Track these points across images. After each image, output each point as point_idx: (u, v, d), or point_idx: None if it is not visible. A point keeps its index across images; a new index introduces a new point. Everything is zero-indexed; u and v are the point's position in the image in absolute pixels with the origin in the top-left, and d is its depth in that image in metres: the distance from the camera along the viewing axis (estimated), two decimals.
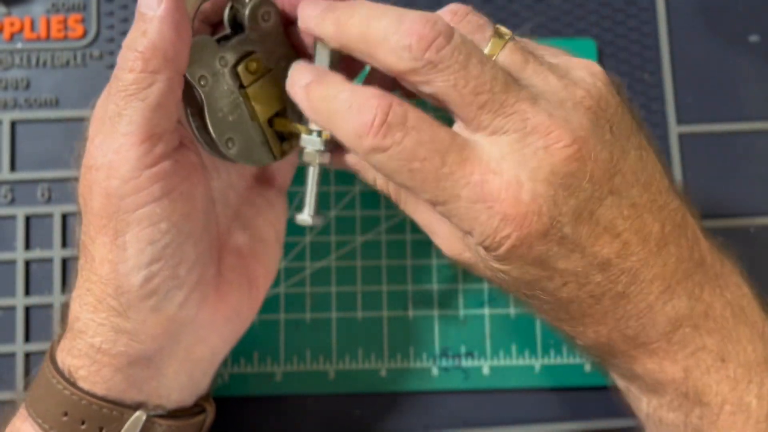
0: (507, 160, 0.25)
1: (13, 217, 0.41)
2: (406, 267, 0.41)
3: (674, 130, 0.43)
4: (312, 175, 0.31)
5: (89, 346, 0.29)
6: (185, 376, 0.32)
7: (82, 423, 0.29)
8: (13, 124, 0.42)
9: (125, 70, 0.27)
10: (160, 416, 0.31)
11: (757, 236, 0.42)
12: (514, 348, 0.40)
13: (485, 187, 0.25)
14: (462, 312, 0.41)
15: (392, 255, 0.41)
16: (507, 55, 0.27)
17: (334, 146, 0.31)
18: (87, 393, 0.29)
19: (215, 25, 0.32)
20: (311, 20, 0.29)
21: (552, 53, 0.29)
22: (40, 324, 0.40)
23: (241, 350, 0.39)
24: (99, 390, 0.29)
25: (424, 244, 0.41)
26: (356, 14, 0.27)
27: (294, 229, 0.40)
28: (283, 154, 0.33)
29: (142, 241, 0.28)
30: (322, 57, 0.30)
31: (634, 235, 0.26)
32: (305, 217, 0.31)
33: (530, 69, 0.27)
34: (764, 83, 0.44)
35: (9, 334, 0.40)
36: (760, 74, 0.44)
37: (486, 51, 0.27)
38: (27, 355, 0.40)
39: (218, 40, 0.31)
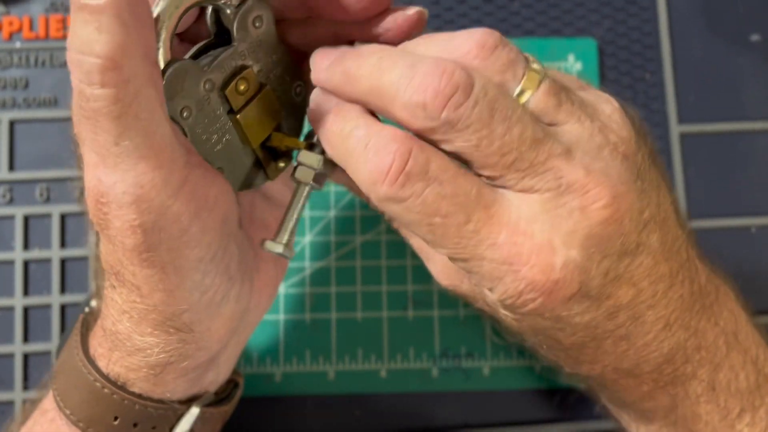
0: (539, 222, 0.23)
1: (11, 217, 0.41)
2: (406, 267, 0.41)
3: (675, 129, 0.43)
4: (299, 197, 0.27)
5: (151, 364, 0.27)
6: (234, 359, 0.31)
7: (135, 425, 0.28)
8: (12, 124, 0.41)
9: (95, 86, 0.21)
10: (212, 404, 0.30)
11: (757, 236, 0.42)
12: (514, 349, 0.40)
13: (513, 249, 0.23)
14: (462, 312, 0.40)
15: (392, 255, 0.41)
16: (540, 98, 0.24)
17: (333, 166, 0.27)
18: (140, 397, 0.27)
19: (193, 42, 0.27)
20: (321, 74, 0.26)
21: (576, 84, 0.27)
22: (39, 324, 0.40)
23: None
24: (155, 394, 0.28)
25: None
26: (365, 65, 0.24)
27: None
28: (278, 172, 0.29)
29: (193, 261, 0.25)
30: None
31: (647, 281, 0.25)
32: (276, 245, 0.27)
33: (564, 112, 0.24)
34: (765, 83, 0.44)
35: (7, 335, 0.40)
36: (761, 74, 0.44)
37: (516, 93, 0.24)
38: (26, 356, 0.40)
39: (199, 52, 0.26)
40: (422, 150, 0.23)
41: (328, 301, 0.40)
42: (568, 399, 0.40)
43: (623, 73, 0.43)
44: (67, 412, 0.28)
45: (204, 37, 0.27)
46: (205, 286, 0.26)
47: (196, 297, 0.26)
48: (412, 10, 0.26)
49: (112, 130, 0.22)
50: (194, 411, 0.29)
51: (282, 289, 0.40)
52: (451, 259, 0.24)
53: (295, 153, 0.28)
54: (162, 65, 0.24)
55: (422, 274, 0.41)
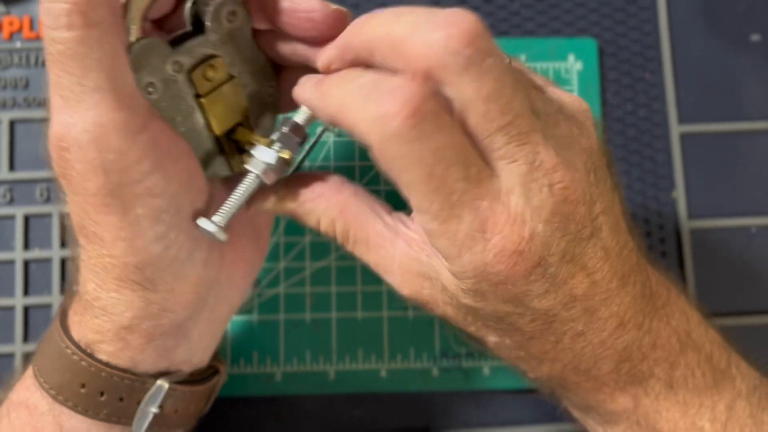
0: (515, 193, 0.24)
1: (11, 217, 0.41)
2: None
3: (675, 129, 0.43)
4: (245, 187, 0.28)
5: (116, 325, 0.27)
6: (208, 337, 0.31)
7: (102, 394, 0.28)
8: (12, 124, 0.41)
9: (62, 29, 0.23)
10: (182, 382, 0.30)
11: (757, 236, 0.42)
12: None
13: (491, 217, 0.24)
14: None
15: None
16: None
17: (283, 171, 0.28)
18: (107, 365, 0.28)
19: (171, 31, 0.29)
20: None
21: (544, 81, 0.28)
22: (39, 324, 0.40)
23: (241, 351, 0.39)
24: (123, 362, 0.28)
25: None
26: (376, 17, 0.24)
27: (294, 229, 0.40)
28: (242, 165, 0.30)
29: (156, 210, 0.26)
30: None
31: (600, 274, 0.26)
32: (210, 225, 0.27)
33: (542, 101, 0.26)
34: (765, 83, 0.44)
35: (8, 334, 0.40)
36: (761, 73, 0.44)
37: None
38: (26, 355, 0.40)
39: (175, 40, 0.27)
40: (437, 94, 0.23)
41: (328, 301, 0.40)
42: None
43: (623, 72, 0.43)
44: (41, 379, 0.28)
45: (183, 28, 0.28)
46: (169, 240, 0.26)
47: (159, 251, 0.26)
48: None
49: (76, 71, 0.23)
50: (162, 385, 0.29)
51: (282, 288, 0.40)
52: (426, 216, 0.24)
53: None
54: (132, 39, 0.26)
55: None
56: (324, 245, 0.41)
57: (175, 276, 0.27)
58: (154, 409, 0.29)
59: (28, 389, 0.29)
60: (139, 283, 0.27)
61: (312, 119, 0.29)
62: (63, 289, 0.40)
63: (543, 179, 0.24)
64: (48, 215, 0.41)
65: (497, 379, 0.40)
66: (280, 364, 0.39)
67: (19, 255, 0.40)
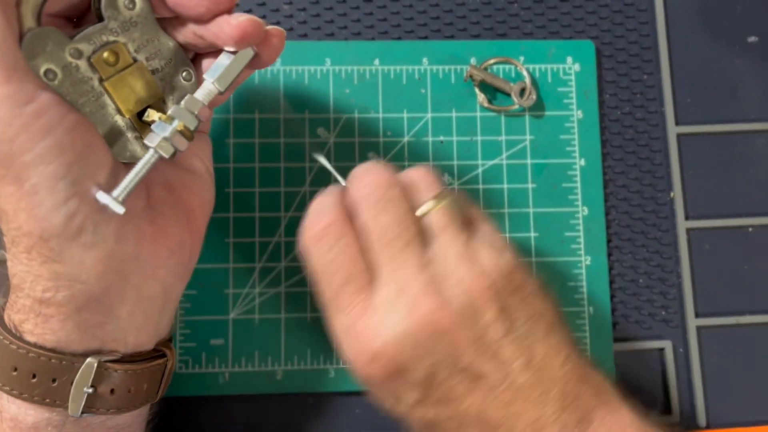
0: (384, 305, 0.29)
1: None
2: None
3: (673, 130, 0.43)
4: (144, 161, 0.29)
5: (31, 299, 0.28)
6: (140, 317, 0.31)
7: (33, 376, 0.28)
8: None
9: None
10: (115, 361, 0.30)
11: (754, 236, 0.43)
12: None
13: (360, 320, 0.29)
14: None
15: None
16: (435, 216, 0.31)
17: (180, 143, 0.30)
18: (34, 346, 0.28)
19: (78, 23, 0.31)
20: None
21: (487, 231, 0.32)
22: None
23: (242, 349, 0.40)
24: (48, 342, 0.29)
25: None
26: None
27: (294, 228, 0.41)
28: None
29: (51, 178, 0.26)
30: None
31: (506, 392, 0.29)
32: (105, 197, 0.28)
33: (447, 235, 0.30)
34: (763, 84, 0.44)
35: None
36: (758, 75, 0.44)
37: (421, 209, 0.31)
38: None
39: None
40: (342, 225, 0.31)
41: None
42: None
43: (621, 74, 0.44)
44: None
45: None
46: (69, 210, 0.27)
47: (61, 220, 0.27)
48: (240, 18, 0.29)
49: None
50: (91, 362, 0.29)
51: (282, 288, 0.40)
52: (327, 304, 0.31)
53: None
54: (26, 29, 0.27)
55: None
56: None
57: (83, 247, 0.28)
58: (86, 389, 0.29)
59: None
60: (46, 255, 0.27)
61: (212, 95, 0.30)
62: None
63: (406, 300, 0.29)
64: None
65: None
66: (281, 363, 0.40)
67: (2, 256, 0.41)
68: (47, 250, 0.27)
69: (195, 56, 0.33)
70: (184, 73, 0.31)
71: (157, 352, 0.33)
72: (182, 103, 0.30)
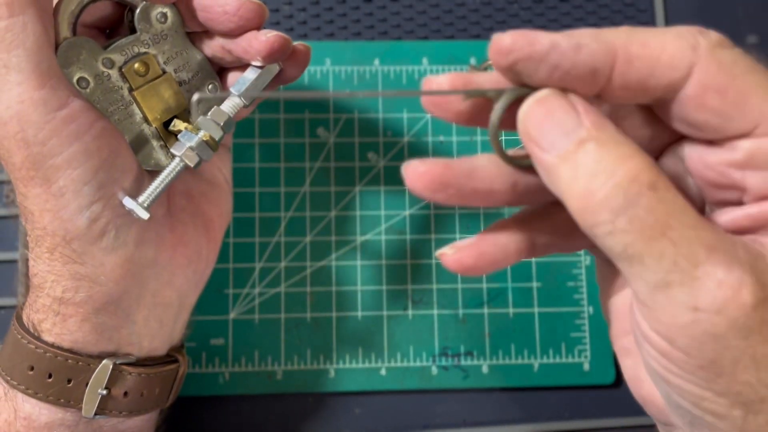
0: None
1: (13, 217, 0.41)
2: (406, 267, 0.41)
3: None
4: (170, 169, 0.30)
5: (51, 299, 0.29)
6: (155, 322, 0.31)
7: (49, 376, 0.29)
8: None
9: None
10: (129, 364, 0.30)
11: None
12: (513, 347, 0.41)
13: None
14: (461, 311, 0.41)
15: (392, 255, 0.41)
16: None
17: (206, 153, 0.30)
18: (52, 346, 0.29)
19: (110, 35, 0.33)
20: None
21: None
22: None
23: (242, 349, 0.40)
24: (65, 342, 0.29)
25: (424, 244, 0.41)
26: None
27: (294, 228, 0.41)
28: None
29: (77, 182, 0.27)
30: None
31: None
32: (131, 202, 0.28)
33: None
34: None
35: None
36: None
37: None
38: None
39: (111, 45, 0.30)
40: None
41: (328, 301, 0.40)
42: (568, 397, 0.41)
43: None
44: (0, 363, 0.30)
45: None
46: (93, 214, 0.28)
47: (84, 223, 0.28)
48: (268, 34, 0.29)
49: (3, 55, 0.26)
50: (106, 364, 0.29)
51: (282, 288, 0.40)
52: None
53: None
54: (62, 38, 0.29)
55: (422, 274, 0.41)
56: (324, 245, 0.41)
57: (104, 251, 0.28)
58: (100, 390, 0.29)
59: None
60: (68, 256, 0.28)
61: (237, 108, 0.31)
62: None
63: None
64: None
65: (496, 378, 0.40)
66: (280, 363, 0.40)
67: (21, 255, 0.41)
68: (69, 251, 0.28)
69: (221, 70, 0.33)
70: (210, 86, 0.32)
71: (169, 358, 0.33)
72: (209, 114, 0.30)
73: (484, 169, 0.23)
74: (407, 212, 0.41)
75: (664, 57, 0.21)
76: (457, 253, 0.24)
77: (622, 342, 0.26)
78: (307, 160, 0.41)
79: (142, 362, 0.31)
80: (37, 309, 0.29)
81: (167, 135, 0.31)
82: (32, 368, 0.29)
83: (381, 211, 0.41)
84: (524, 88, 0.22)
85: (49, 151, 0.27)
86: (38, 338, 0.29)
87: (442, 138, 0.42)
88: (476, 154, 0.24)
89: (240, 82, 0.31)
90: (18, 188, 0.28)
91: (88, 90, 0.29)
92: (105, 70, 0.30)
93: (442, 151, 0.42)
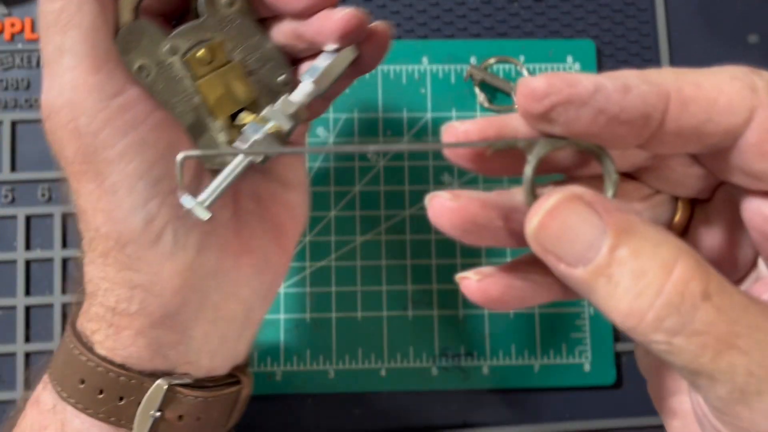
0: None
1: (13, 217, 0.41)
2: (406, 267, 0.41)
3: None
4: (234, 165, 0.27)
5: (104, 308, 0.26)
6: (217, 339, 0.28)
7: (100, 392, 0.26)
8: (14, 125, 0.42)
9: (47, 2, 0.25)
10: (185, 385, 0.27)
11: None
12: (513, 348, 0.40)
13: None
14: (461, 312, 0.41)
15: (392, 255, 0.41)
16: None
17: (280, 143, 0.27)
18: (104, 359, 0.26)
19: (177, 22, 0.29)
20: None
21: None
22: (41, 324, 0.40)
23: None
24: (118, 357, 0.26)
25: (424, 244, 0.41)
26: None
27: None
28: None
29: (131, 177, 0.25)
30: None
31: None
32: (191, 200, 0.25)
33: None
34: None
35: (9, 334, 0.40)
36: None
37: None
38: (27, 355, 0.40)
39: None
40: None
41: (328, 301, 0.40)
42: (569, 398, 0.41)
43: None
44: (50, 373, 0.28)
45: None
46: (149, 213, 0.25)
47: (139, 225, 0.25)
48: (342, 12, 0.26)
49: (57, 36, 0.25)
50: (160, 385, 0.27)
51: (282, 288, 0.40)
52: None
53: None
54: (123, 22, 0.27)
55: (422, 274, 0.41)
56: (324, 245, 0.41)
57: (161, 257, 0.26)
58: (153, 413, 0.27)
59: (43, 384, 0.28)
60: (123, 261, 0.26)
61: (310, 98, 0.28)
62: (64, 289, 0.40)
63: None
64: (49, 216, 0.41)
65: (496, 379, 0.40)
66: (280, 364, 0.40)
67: (20, 255, 0.40)
68: (124, 256, 0.26)
69: (293, 61, 0.30)
70: (281, 76, 0.29)
71: (231, 378, 0.30)
72: (277, 104, 0.27)
73: (524, 211, 0.20)
74: (407, 212, 0.41)
75: (721, 100, 0.19)
76: (482, 281, 0.22)
77: (668, 402, 0.23)
78: (307, 160, 0.41)
79: (200, 383, 0.28)
80: (90, 318, 0.27)
81: (233, 129, 0.29)
82: (83, 381, 0.26)
83: (381, 211, 0.41)
84: (558, 138, 0.20)
85: (102, 143, 0.25)
86: (90, 349, 0.27)
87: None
88: (512, 188, 0.21)
89: (312, 69, 0.28)
90: (71, 184, 0.26)
91: (148, 79, 0.27)
92: (167, 57, 0.27)
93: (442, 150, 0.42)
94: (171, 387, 0.27)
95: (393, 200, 0.41)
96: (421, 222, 0.41)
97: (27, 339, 0.40)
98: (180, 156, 0.21)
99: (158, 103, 0.26)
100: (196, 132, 0.28)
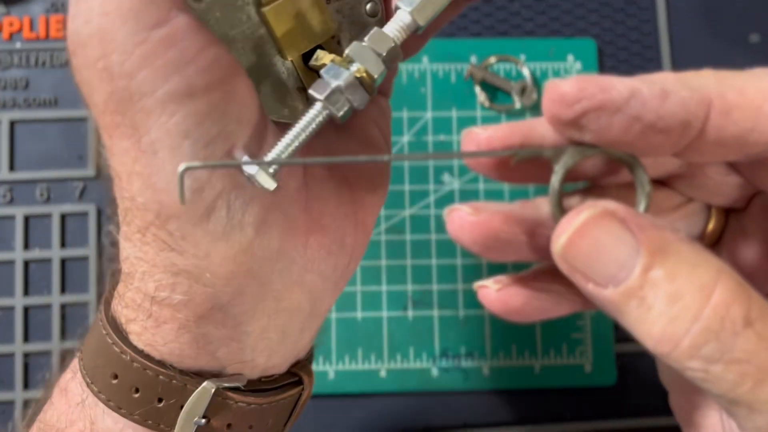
0: None
1: (12, 217, 0.41)
2: (406, 267, 0.41)
3: None
4: (308, 121, 0.21)
5: (142, 295, 0.22)
6: (276, 334, 0.23)
7: (136, 391, 0.22)
8: (12, 124, 0.41)
9: None
10: (236, 389, 0.23)
11: None
12: (513, 348, 0.40)
13: None
14: (462, 312, 0.40)
15: (392, 255, 0.41)
16: None
17: (360, 97, 0.21)
18: (140, 354, 0.22)
19: None
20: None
21: None
22: (39, 324, 0.40)
23: None
24: (156, 352, 0.22)
25: (424, 244, 0.41)
26: None
27: None
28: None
29: (174, 135, 0.19)
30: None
31: None
32: (256, 168, 0.20)
33: None
34: None
35: (8, 335, 0.40)
36: None
37: None
38: (26, 355, 0.40)
39: None
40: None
41: None
42: (569, 398, 0.40)
43: (622, 73, 0.43)
44: (81, 359, 0.24)
45: None
46: (197, 181, 0.20)
47: (180, 202, 0.20)
48: None
49: None
50: (207, 388, 0.22)
51: None
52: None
53: None
54: None
55: (422, 274, 0.41)
56: None
57: (211, 237, 0.20)
58: (198, 419, 0.22)
59: (72, 371, 0.24)
60: (164, 240, 0.21)
61: (407, 32, 0.22)
62: (63, 289, 0.40)
63: None
64: (48, 215, 0.41)
65: (496, 379, 0.40)
66: None
67: (19, 255, 0.40)
68: (165, 233, 0.20)
69: None
70: (368, 5, 0.23)
71: (292, 376, 0.25)
72: (366, 39, 0.21)
73: (550, 225, 0.18)
74: (407, 212, 0.41)
75: (767, 107, 0.17)
76: (502, 290, 0.20)
77: (694, 417, 0.22)
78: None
79: (253, 386, 0.24)
80: (126, 303, 0.22)
81: (307, 73, 0.23)
82: (116, 377, 0.22)
83: (381, 211, 0.41)
84: (587, 146, 0.18)
85: (139, 88, 0.19)
86: (125, 340, 0.22)
87: (442, 137, 0.42)
88: (536, 198, 0.20)
89: None
90: (104, 139, 0.21)
91: (201, 5, 0.21)
92: None
93: (441, 149, 0.42)
94: (219, 391, 0.22)
95: (393, 200, 0.41)
96: (421, 222, 0.41)
97: (25, 339, 0.40)
98: (181, 167, 0.18)
99: (213, 38, 0.20)
100: (260, 75, 0.22)
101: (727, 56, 0.44)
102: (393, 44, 0.21)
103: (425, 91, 0.42)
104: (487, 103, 0.42)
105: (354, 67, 0.21)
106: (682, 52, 0.44)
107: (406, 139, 0.41)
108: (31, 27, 0.42)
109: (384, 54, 0.21)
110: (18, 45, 0.42)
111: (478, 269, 0.41)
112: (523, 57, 0.43)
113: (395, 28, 0.21)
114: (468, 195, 0.41)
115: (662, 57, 0.44)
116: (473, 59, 0.42)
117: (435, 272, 0.41)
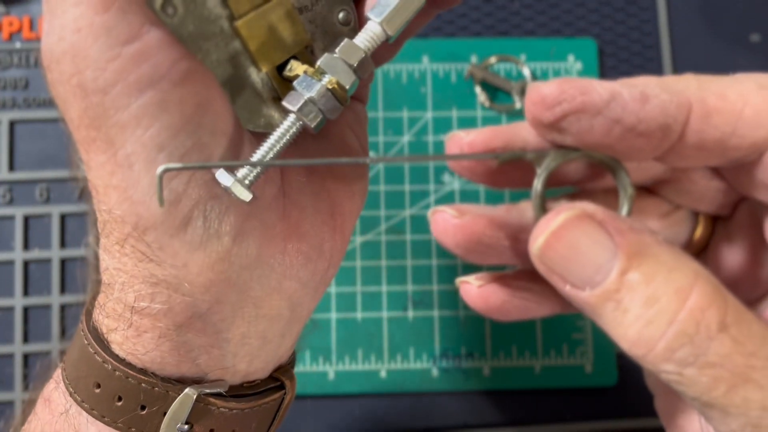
0: None
1: (11, 218, 0.41)
2: (406, 267, 0.41)
3: None
4: (282, 132, 0.21)
5: (122, 305, 0.22)
6: (257, 340, 0.24)
7: (119, 399, 0.22)
8: (12, 124, 0.41)
9: None
10: (218, 395, 0.23)
11: None
12: (514, 349, 0.40)
13: None
14: (462, 313, 0.40)
15: (392, 255, 0.41)
16: None
17: (332, 108, 0.22)
18: (122, 362, 0.22)
19: None
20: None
21: None
22: (39, 324, 0.40)
23: None
24: (138, 360, 0.22)
25: (424, 244, 0.41)
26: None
27: None
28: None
29: (150, 147, 0.20)
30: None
31: None
32: (231, 179, 0.20)
33: None
34: None
35: (7, 335, 0.40)
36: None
37: None
38: (25, 356, 0.40)
39: None
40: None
41: (328, 301, 0.40)
42: (569, 399, 0.40)
43: (623, 73, 0.43)
44: (64, 369, 0.24)
45: None
46: (173, 193, 0.20)
47: (161, 207, 0.20)
48: None
49: None
50: (188, 394, 0.22)
51: None
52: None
53: None
54: None
55: (422, 274, 0.41)
56: None
57: (188, 246, 0.21)
58: (180, 426, 0.23)
59: (55, 381, 0.24)
60: (142, 251, 0.21)
61: (377, 42, 0.22)
62: (63, 289, 0.40)
63: None
64: (48, 215, 0.41)
65: (497, 380, 0.40)
66: None
67: (18, 255, 0.40)
68: (143, 245, 0.21)
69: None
70: (341, 14, 0.24)
71: (274, 381, 0.25)
72: (337, 51, 0.22)
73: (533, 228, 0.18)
74: (407, 212, 0.41)
75: (747, 112, 0.18)
76: (483, 287, 0.20)
77: (676, 420, 0.22)
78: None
79: (236, 391, 0.24)
80: (107, 313, 0.23)
81: (281, 83, 0.23)
82: (99, 386, 0.22)
83: (381, 211, 0.41)
84: (569, 149, 0.18)
85: (113, 103, 0.19)
86: (107, 349, 0.23)
87: (442, 137, 0.42)
88: (522, 202, 0.20)
89: (380, 4, 0.22)
90: (81, 154, 0.21)
91: (174, 19, 0.21)
92: None
93: (442, 150, 0.42)
94: (201, 397, 0.23)
95: (393, 200, 0.41)
96: (421, 222, 0.41)
97: (25, 339, 0.40)
98: (160, 169, 0.18)
99: (185, 51, 0.20)
100: (235, 86, 0.22)
101: (728, 56, 0.44)
102: (364, 55, 0.22)
103: (425, 91, 0.42)
104: (487, 103, 0.42)
105: (326, 79, 0.21)
106: (683, 52, 0.44)
107: (406, 139, 0.41)
108: (31, 27, 0.42)
109: (355, 65, 0.22)
110: (18, 45, 0.42)
111: (478, 270, 0.41)
112: (523, 57, 0.43)
113: (366, 38, 0.22)
114: (468, 195, 0.41)
115: (662, 57, 0.44)
116: (473, 59, 0.42)
117: (435, 272, 0.41)
